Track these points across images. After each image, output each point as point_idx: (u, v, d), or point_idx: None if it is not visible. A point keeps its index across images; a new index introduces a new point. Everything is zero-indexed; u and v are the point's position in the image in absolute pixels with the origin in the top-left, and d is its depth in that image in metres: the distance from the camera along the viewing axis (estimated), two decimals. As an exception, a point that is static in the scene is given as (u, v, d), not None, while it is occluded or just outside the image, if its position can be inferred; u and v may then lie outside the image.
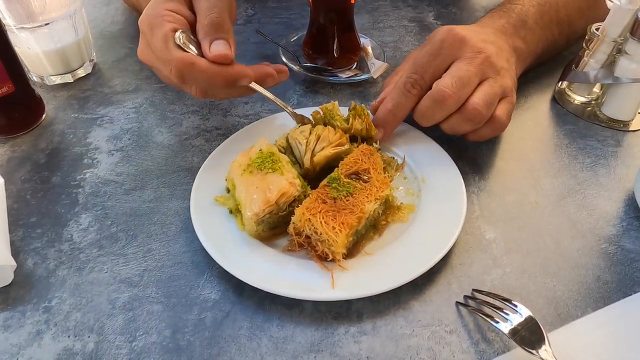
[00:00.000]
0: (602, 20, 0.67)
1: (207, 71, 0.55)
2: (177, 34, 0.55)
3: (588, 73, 0.70)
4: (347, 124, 0.60)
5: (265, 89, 0.61)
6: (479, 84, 0.58)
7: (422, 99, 0.58)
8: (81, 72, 0.80)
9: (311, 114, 0.63)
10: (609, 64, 0.68)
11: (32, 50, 0.74)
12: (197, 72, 0.55)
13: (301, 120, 0.64)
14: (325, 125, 0.61)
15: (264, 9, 0.97)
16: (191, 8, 0.60)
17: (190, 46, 0.55)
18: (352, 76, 0.76)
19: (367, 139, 0.61)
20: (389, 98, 0.60)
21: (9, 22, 0.70)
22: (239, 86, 0.58)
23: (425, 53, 0.59)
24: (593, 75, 0.70)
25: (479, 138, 0.61)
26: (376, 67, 0.75)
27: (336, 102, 0.62)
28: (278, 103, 0.63)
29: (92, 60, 0.82)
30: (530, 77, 0.75)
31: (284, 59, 0.78)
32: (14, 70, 0.66)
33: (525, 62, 0.70)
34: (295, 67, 0.77)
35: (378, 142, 0.62)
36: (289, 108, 0.63)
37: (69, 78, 0.79)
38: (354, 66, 0.78)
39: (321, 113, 0.62)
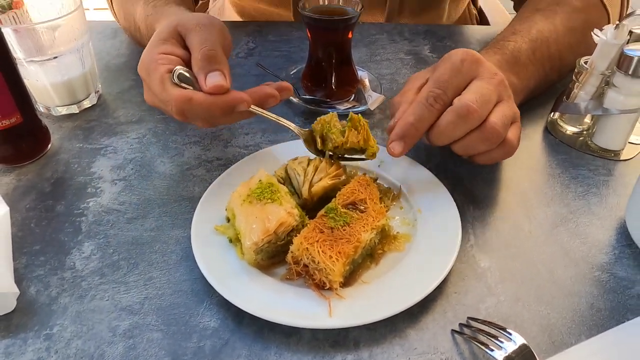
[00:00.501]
0: (591, 54, 0.70)
1: (204, 103, 0.57)
2: (173, 71, 0.58)
3: (579, 104, 0.72)
4: (343, 137, 0.60)
5: (268, 109, 0.62)
6: (495, 104, 0.59)
7: (444, 114, 0.57)
8: (87, 103, 0.83)
9: (311, 126, 0.63)
10: (598, 96, 0.70)
11: (40, 82, 0.77)
12: (195, 106, 0.57)
13: (307, 134, 0.64)
14: (322, 137, 0.62)
15: (264, 42, 1.00)
16: (185, 47, 0.63)
17: (188, 82, 0.58)
18: (349, 108, 0.78)
19: (366, 151, 0.61)
20: (409, 112, 0.59)
21: (19, 56, 0.72)
22: (241, 113, 0.60)
23: (446, 70, 0.59)
24: (583, 107, 0.72)
25: (489, 160, 0.61)
26: (373, 99, 0.77)
27: (335, 114, 0.63)
28: (282, 122, 0.63)
29: (98, 91, 0.85)
30: (523, 108, 0.76)
31: (283, 91, 0.80)
32: (22, 101, 0.68)
33: (518, 96, 0.72)
34: (295, 99, 0.79)
35: (380, 165, 0.63)
36: (293, 125, 0.64)
37: (74, 109, 0.81)
38: (352, 98, 0.80)
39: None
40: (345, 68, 0.78)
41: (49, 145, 0.74)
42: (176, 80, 0.58)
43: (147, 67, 0.61)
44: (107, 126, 0.79)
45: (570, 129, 0.75)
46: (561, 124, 0.76)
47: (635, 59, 0.63)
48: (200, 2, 1.28)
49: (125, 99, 0.85)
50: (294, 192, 0.59)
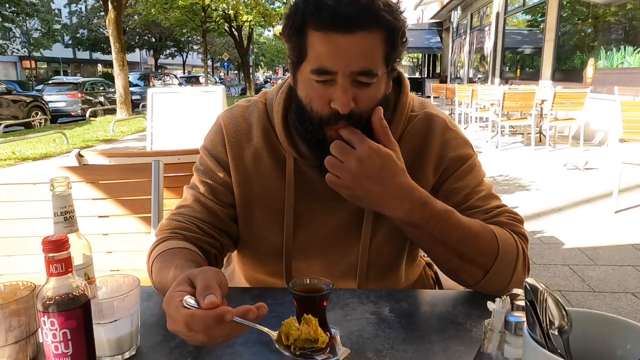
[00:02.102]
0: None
1: (200, 316, 0.87)
2: (184, 300, 0.89)
3: (491, 354, 1.00)
4: (298, 331, 0.92)
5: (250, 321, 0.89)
6: None
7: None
8: (127, 354, 1.09)
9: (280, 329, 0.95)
10: (502, 347, 0.98)
11: (99, 338, 1.05)
12: (196, 319, 0.87)
13: (277, 335, 0.94)
14: (286, 335, 0.95)
15: (264, 305, 1.32)
16: (194, 287, 0.94)
17: (194, 306, 0.89)
18: (325, 359, 1.04)
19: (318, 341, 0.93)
20: None
21: (91, 321, 1.02)
22: (230, 324, 0.88)
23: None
24: (494, 356, 0.99)
25: None
26: (341, 352, 1.05)
27: (294, 317, 0.98)
28: (259, 328, 0.93)
29: (137, 344, 1.12)
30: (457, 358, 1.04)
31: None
32: (91, 353, 0.95)
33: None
34: (287, 352, 1.06)
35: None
36: (266, 329, 0.95)
37: (119, 358, 1.08)
38: (327, 350, 1.07)
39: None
40: (321, 328, 1.07)
41: (99, 388, 0.99)
42: (185, 304, 0.89)
43: (167, 301, 0.93)
44: (142, 372, 1.04)
45: (489, 373, 1.01)
46: (483, 369, 1.02)
47: (514, 323, 0.94)
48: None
49: (157, 350, 1.12)
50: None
